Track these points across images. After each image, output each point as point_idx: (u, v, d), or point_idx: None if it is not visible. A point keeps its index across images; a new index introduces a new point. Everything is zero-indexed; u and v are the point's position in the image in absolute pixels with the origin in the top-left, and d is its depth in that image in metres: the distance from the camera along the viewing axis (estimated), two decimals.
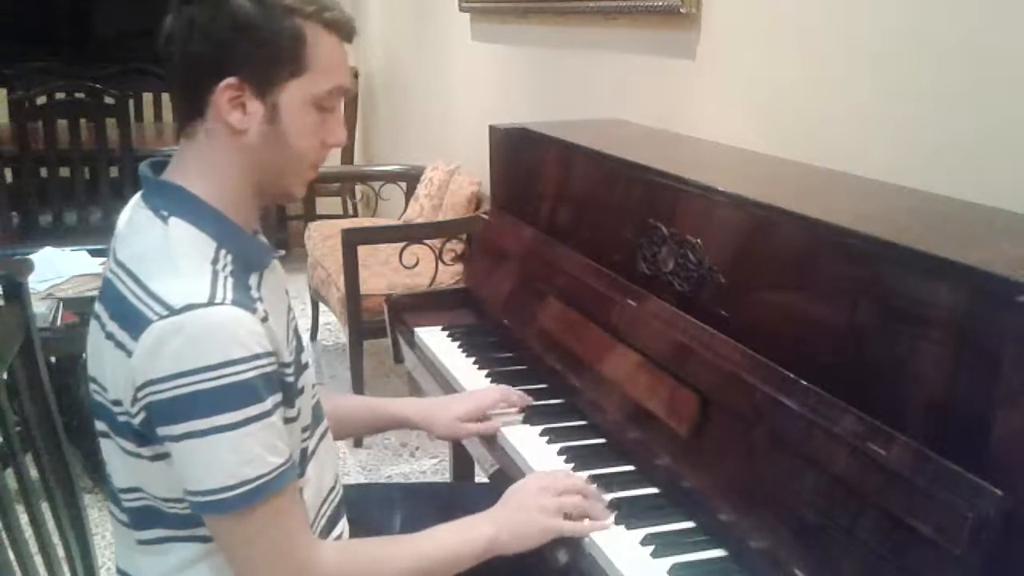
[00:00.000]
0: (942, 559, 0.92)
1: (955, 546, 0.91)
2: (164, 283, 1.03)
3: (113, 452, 1.13)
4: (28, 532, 1.30)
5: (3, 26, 5.35)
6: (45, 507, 1.38)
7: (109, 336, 1.06)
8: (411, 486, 2.41)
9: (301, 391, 1.16)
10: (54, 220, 3.88)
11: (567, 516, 1.23)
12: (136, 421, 1.06)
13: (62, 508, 1.40)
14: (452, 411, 1.50)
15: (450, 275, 3.05)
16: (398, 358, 2.05)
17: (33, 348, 1.38)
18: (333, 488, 1.29)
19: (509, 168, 2.08)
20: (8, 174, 4.03)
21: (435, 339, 1.91)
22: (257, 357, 1.03)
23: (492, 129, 2.10)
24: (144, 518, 1.14)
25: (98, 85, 3.91)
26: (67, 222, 3.89)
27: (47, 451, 1.39)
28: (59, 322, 2.37)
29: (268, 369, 1.05)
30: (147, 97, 5.10)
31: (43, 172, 3.86)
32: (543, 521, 1.21)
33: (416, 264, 2.99)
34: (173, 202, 1.09)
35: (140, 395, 1.03)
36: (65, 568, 1.41)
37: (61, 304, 2.43)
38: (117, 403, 1.07)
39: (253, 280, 1.12)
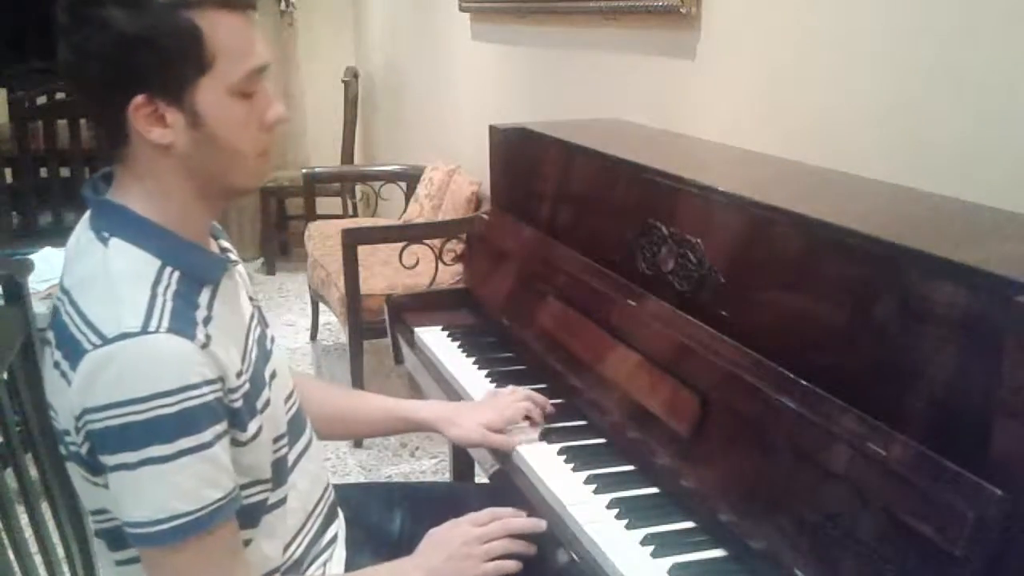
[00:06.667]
0: (942, 559, 0.92)
1: (955, 546, 0.91)
2: (99, 310, 1.00)
3: (75, 476, 1.11)
4: (28, 532, 1.30)
5: (3, 26, 5.35)
6: (45, 507, 1.38)
7: (56, 365, 1.03)
8: (411, 486, 2.41)
9: (260, 410, 1.11)
10: (54, 220, 3.88)
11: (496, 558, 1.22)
12: (83, 451, 1.03)
13: (62, 508, 1.40)
14: (475, 417, 1.46)
15: (450, 275, 3.05)
16: (398, 358, 2.05)
17: (33, 348, 1.38)
18: (324, 492, 1.30)
19: (509, 168, 2.08)
20: (8, 174, 4.03)
21: (435, 339, 1.91)
22: (194, 387, 0.99)
23: (492, 129, 2.10)
24: (117, 538, 1.10)
25: None
26: (67, 222, 3.89)
27: (47, 451, 1.38)
28: None
29: (208, 398, 1.00)
30: None
31: (43, 172, 3.86)
32: (469, 571, 1.20)
33: (416, 264, 2.99)
34: (114, 223, 1.05)
35: (80, 424, 1.01)
36: (65, 568, 1.41)
37: None
38: (66, 432, 1.05)
39: (204, 296, 1.07)
